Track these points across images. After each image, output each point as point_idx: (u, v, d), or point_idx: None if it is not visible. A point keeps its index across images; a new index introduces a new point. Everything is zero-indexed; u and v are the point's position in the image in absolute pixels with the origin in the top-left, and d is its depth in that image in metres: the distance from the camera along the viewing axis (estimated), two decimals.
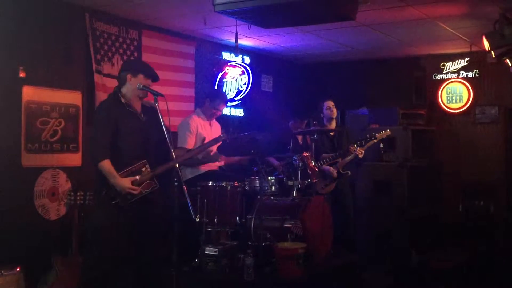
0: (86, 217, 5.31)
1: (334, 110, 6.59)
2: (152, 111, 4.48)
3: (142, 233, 4.41)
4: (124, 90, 4.43)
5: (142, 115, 4.47)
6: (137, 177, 4.29)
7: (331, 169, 6.33)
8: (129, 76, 4.41)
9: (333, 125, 6.68)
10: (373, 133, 6.47)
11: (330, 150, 6.51)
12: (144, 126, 4.44)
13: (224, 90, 7.60)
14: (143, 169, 4.35)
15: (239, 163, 6.19)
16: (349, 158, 6.39)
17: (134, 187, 4.25)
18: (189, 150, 4.88)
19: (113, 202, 4.24)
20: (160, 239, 4.49)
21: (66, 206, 5.63)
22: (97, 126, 4.41)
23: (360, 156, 6.35)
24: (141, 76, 4.41)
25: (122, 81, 4.45)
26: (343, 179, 6.46)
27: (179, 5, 5.85)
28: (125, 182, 4.23)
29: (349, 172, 6.46)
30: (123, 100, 4.39)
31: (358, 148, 6.33)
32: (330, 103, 6.57)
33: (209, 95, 6.09)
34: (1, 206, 5.12)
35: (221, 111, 6.07)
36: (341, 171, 6.38)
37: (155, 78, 4.54)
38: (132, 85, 4.40)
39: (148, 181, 4.36)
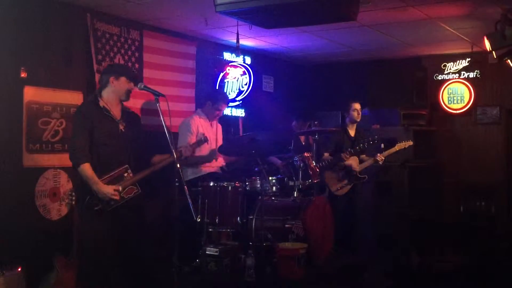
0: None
1: (360, 114, 6.65)
2: (133, 116, 4.52)
3: (126, 237, 4.38)
4: (104, 93, 4.42)
5: (121, 120, 4.44)
6: (119, 187, 4.26)
7: (353, 165, 6.43)
8: (111, 79, 4.40)
9: (354, 128, 6.75)
10: (376, 141, 6.45)
11: (351, 149, 6.54)
12: (123, 131, 4.42)
13: (225, 91, 7.59)
14: (125, 174, 4.35)
15: (237, 162, 6.20)
16: (367, 163, 6.46)
17: (116, 193, 4.23)
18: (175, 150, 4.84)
19: (96, 208, 4.23)
20: (147, 240, 4.49)
21: (67, 206, 5.63)
22: (75, 129, 4.41)
23: (380, 162, 6.45)
24: (123, 79, 4.41)
25: (103, 84, 4.45)
26: (359, 183, 6.52)
27: (180, 6, 5.85)
28: (108, 189, 4.21)
29: (366, 177, 6.52)
30: (101, 104, 4.38)
31: (379, 154, 6.47)
32: (358, 106, 6.65)
33: (210, 96, 6.10)
34: (2, 206, 5.12)
35: (223, 111, 6.08)
36: (359, 175, 6.43)
37: (136, 82, 4.54)
38: (116, 88, 4.40)
39: (130, 187, 4.36)
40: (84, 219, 4.40)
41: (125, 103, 4.58)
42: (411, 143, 6.66)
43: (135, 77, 4.57)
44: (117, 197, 4.24)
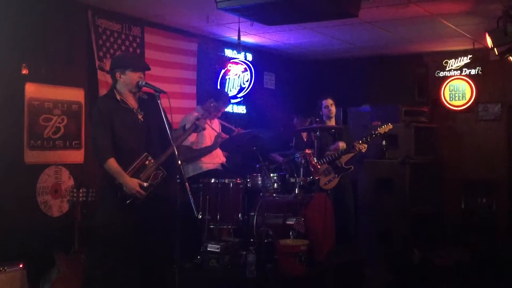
0: (89, 215, 5.32)
1: (332, 109, 6.55)
2: (150, 101, 4.42)
3: (149, 232, 4.38)
4: (118, 87, 4.39)
5: (139, 110, 4.41)
6: (144, 183, 4.24)
7: (340, 143, 6.34)
8: (117, 74, 4.36)
9: (332, 122, 6.64)
10: (378, 133, 6.43)
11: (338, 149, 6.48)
12: (142, 121, 4.39)
13: (226, 87, 7.60)
14: (147, 162, 4.32)
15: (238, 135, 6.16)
16: (351, 153, 6.36)
17: (141, 190, 4.21)
18: (184, 132, 4.81)
19: (128, 202, 4.22)
20: (165, 237, 4.48)
21: (68, 203, 5.64)
22: (94, 125, 4.38)
23: (364, 150, 6.33)
24: (129, 72, 4.34)
25: (114, 80, 4.42)
26: (346, 175, 6.45)
27: (182, 2, 5.85)
28: (133, 183, 4.19)
29: (352, 167, 6.44)
30: (118, 97, 4.35)
31: (360, 142, 6.31)
32: (328, 101, 6.54)
33: (213, 95, 6.06)
34: (4, 203, 5.13)
35: (221, 112, 6.07)
36: (344, 166, 6.36)
37: (144, 69, 4.47)
38: (124, 82, 4.35)
39: (155, 172, 4.35)
40: (104, 210, 4.36)
41: None
42: (390, 126, 6.55)
43: (142, 65, 4.49)
44: (142, 194, 4.22)
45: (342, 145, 6.40)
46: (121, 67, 4.37)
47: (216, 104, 5.79)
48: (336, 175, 6.34)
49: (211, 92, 6.33)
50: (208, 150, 5.82)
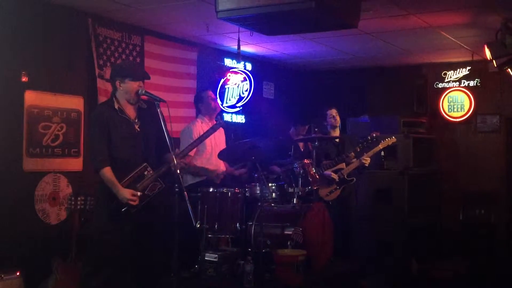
0: (87, 223, 5.31)
1: (338, 118, 6.58)
2: (149, 110, 4.42)
3: (144, 239, 4.38)
4: (117, 95, 4.39)
5: (136, 120, 4.40)
6: (138, 192, 4.23)
7: (332, 174, 6.32)
8: (117, 83, 4.35)
9: (337, 132, 6.67)
10: (374, 139, 6.44)
11: (336, 157, 6.49)
12: (139, 131, 4.38)
13: (225, 97, 7.63)
14: (145, 172, 4.33)
15: (239, 176, 6.20)
16: (354, 165, 6.37)
17: (133, 198, 4.20)
18: (186, 148, 4.82)
19: (123, 210, 4.21)
20: (161, 246, 4.48)
21: (66, 211, 5.63)
22: (92, 133, 4.38)
23: (366, 164, 6.35)
24: (128, 81, 4.33)
25: (114, 88, 4.42)
26: (348, 186, 6.45)
27: (182, 11, 5.87)
28: (126, 193, 4.18)
29: (354, 179, 6.44)
30: (116, 106, 4.34)
31: (364, 156, 6.32)
32: (333, 112, 6.57)
33: (197, 99, 6.10)
34: (2, 210, 5.12)
35: (215, 99, 6.09)
36: (346, 178, 6.37)
37: (144, 78, 4.47)
38: (123, 90, 4.34)
39: (153, 183, 4.35)
40: (100, 218, 4.35)
41: None
42: (394, 140, 6.57)
43: (141, 74, 4.48)
44: (135, 202, 4.22)
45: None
46: (121, 75, 4.37)
47: (205, 100, 5.88)
48: (338, 187, 6.34)
49: (194, 101, 6.29)
50: (207, 173, 5.81)
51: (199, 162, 5.80)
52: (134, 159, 4.33)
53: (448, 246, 8.03)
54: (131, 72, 4.41)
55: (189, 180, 5.74)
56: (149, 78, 4.54)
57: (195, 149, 5.50)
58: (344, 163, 6.37)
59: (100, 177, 4.24)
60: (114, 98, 4.38)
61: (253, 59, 8.21)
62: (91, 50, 5.90)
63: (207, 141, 5.58)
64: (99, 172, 4.22)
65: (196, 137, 5.55)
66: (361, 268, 6.01)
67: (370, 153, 6.40)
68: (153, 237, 4.41)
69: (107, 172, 4.20)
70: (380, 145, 6.47)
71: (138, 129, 4.39)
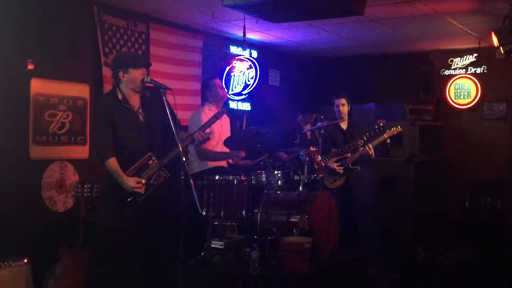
0: (93, 211, 5.34)
1: (343, 109, 6.55)
2: (154, 98, 4.39)
3: (151, 229, 4.40)
4: (121, 86, 4.38)
5: (140, 110, 4.40)
6: (142, 180, 4.25)
7: (337, 168, 6.32)
8: (121, 73, 4.33)
9: (345, 122, 6.66)
10: (381, 128, 6.42)
11: (345, 145, 6.48)
12: (143, 120, 4.39)
13: (231, 84, 7.62)
14: (150, 162, 4.33)
15: (244, 166, 6.19)
16: (358, 154, 6.37)
17: (139, 185, 4.22)
18: (189, 135, 4.81)
19: (128, 200, 4.23)
20: (168, 234, 4.49)
21: (73, 198, 5.65)
22: (96, 124, 4.39)
23: (371, 154, 6.33)
24: (132, 70, 4.32)
25: (117, 79, 4.40)
26: (352, 175, 6.45)
27: None
28: (130, 182, 4.20)
29: (359, 168, 6.44)
30: (120, 96, 4.34)
31: (368, 145, 6.30)
32: (341, 101, 6.54)
33: (204, 88, 6.08)
34: (9, 198, 5.15)
35: (222, 87, 6.07)
36: (350, 166, 6.37)
37: (146, 65, 4.46)
38: (128, 80, 4.33)
39: (157, 173, 4.36)
40: (106, 207, 4.38)
41: None
42: (400, 129, 6.54)
43: (143, 61, 4.48)
44: (141, 190, 4.24)
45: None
46: (123, 66, 4.35)
47: (212, 88, 5.84)
48: (342, 175, 6.34)
49: (201, 89, 6.26)
50: (226, 156, 5.81)
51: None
52: (139, 149, 4.33)
53: (453, 233, 8.03)
54: (132, 61, 4.40)
55: (196, 168, 5.74)
56: (150, 64, 4.54)
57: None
58: (350, 152, 6.37)
59: (105, 168, 4.25)
60: (117, 89, 4.38)
61: (259, 47, 8.18)
62: (96, 38, 5.90)
63: (215, 128, 5.58)
64: (105, 163, 4.23)
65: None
66: (367, 256, 6.02)
67: (375, 142, 6.39)
68: (159, 226, 4.42)
69: (112, 162, 4.21)
70: (385, 134, 6.45)
71: (143, 119, 4.39)
